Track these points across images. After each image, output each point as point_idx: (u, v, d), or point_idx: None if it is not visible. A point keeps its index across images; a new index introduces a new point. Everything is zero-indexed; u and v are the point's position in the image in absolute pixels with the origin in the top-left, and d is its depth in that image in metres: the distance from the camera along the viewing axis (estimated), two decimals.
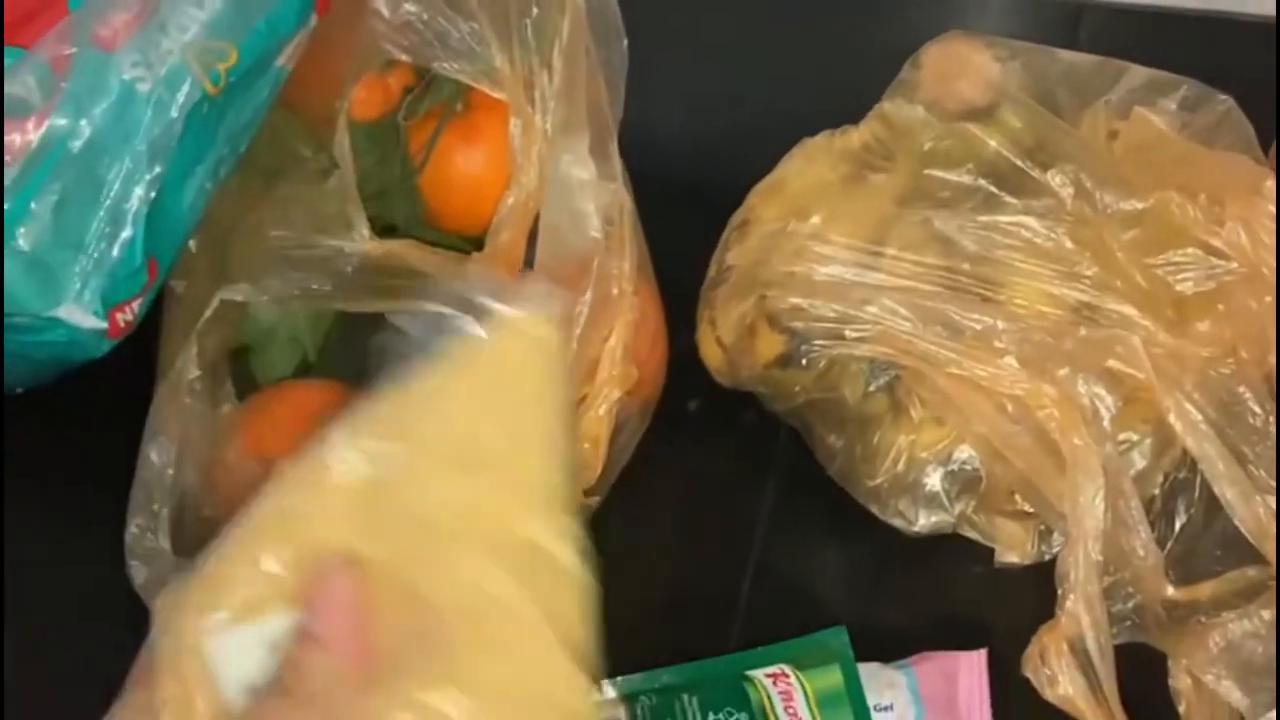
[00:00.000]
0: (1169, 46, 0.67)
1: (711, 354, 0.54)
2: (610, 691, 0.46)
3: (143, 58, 0.46)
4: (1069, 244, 0.49)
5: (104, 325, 0.46)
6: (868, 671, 0.46)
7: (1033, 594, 0.49)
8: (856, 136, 0.55)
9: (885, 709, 0.45)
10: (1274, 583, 0.46)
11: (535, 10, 0.52)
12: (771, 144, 0.59)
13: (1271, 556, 0.45)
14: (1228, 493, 0.46)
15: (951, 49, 0.54)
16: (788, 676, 0.45)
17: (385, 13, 0.52)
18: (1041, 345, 0.47)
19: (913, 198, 0.52)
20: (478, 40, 0.53)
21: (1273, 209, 0.45)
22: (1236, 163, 0.48)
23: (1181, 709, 0.47)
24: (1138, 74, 0.53)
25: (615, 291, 0.47)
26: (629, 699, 0.46)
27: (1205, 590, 0.47)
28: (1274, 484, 0.47)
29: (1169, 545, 0.49)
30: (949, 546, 0.52)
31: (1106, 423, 0.46)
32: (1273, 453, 0.47)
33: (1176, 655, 0.47)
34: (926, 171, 0.51)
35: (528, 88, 0.52)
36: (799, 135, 0.58)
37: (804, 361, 0.49)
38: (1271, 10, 0.67)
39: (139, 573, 0.45)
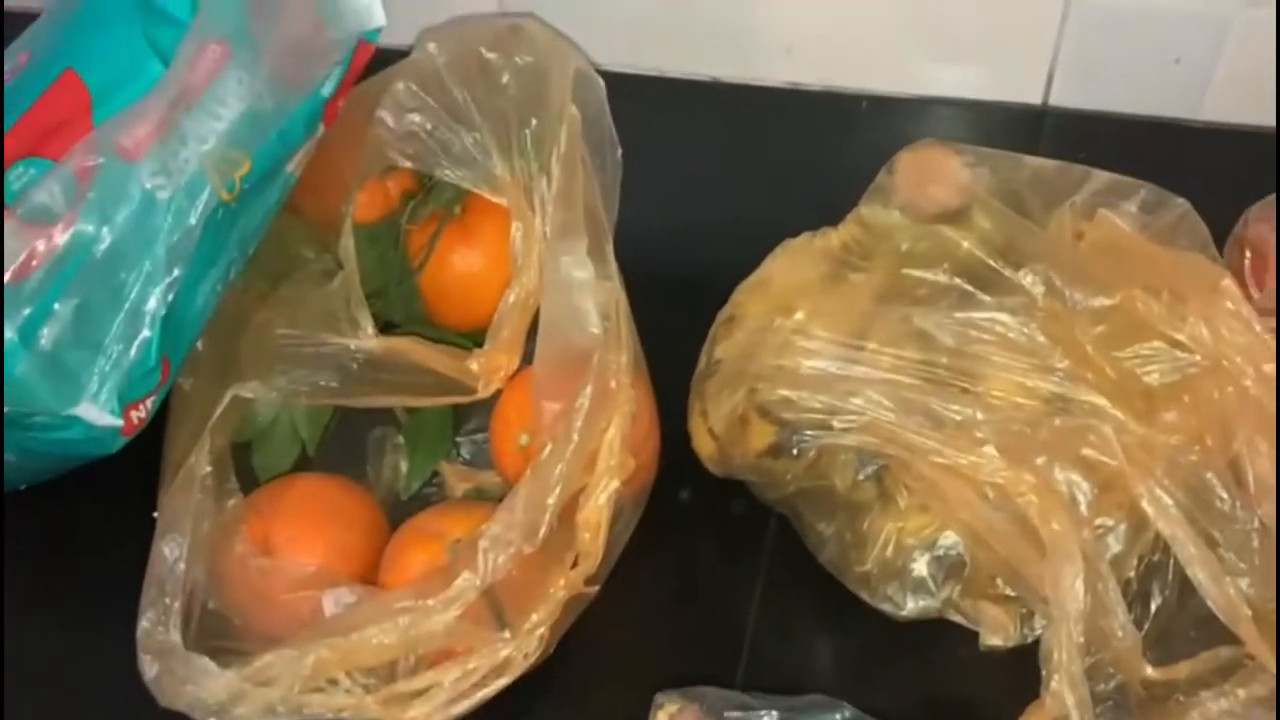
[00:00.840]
0: (1125, 149, 0.72)
1: (704, 444, 0.56)
2: None
3: (162, 167, 0.48)
4: (1041, 338, 0.51)
5: (120, 423, 0.48)
6: None
7: (1017, 676, 0.51)
8: (836, 237, 0.58)
9: None
10: (1249, 662, 0.48)
11: (534, 122, 0.55)
12: (756, 245, 0.62)
13: (1244, 637, 0.47)
14: (1199, 575, 0.48)
15: (923, 156, 0.58)
16: None
17: (390, 123, 0.55)
18: (1019, 435, 0.49)
19: (891, 295, 0.55)
20: (479, 149, 0.56)
21: (1230, 305, 0.48)
22: (1195, 262, 0.51)
23: None
24: (1100, 178, 0.56)
25: (613, 384, 0.49)
26: None
27: (1183, 670, 0.49)
28: (1243, 566, 0.49)
29: (1146, 626, 0.50)
30: (935, 631, 0.53)
31: (1083, 508, 0.48)
32: (1240, 536, 0.49)
33: None
34: (904, 271, 0.54)
35: (527, 193, 0.55)
36: (782, 236, 0.61)
37: (795, 451, 0.51)
38: (1219, 117, 0.72)
39: (150, 666, 0.45)
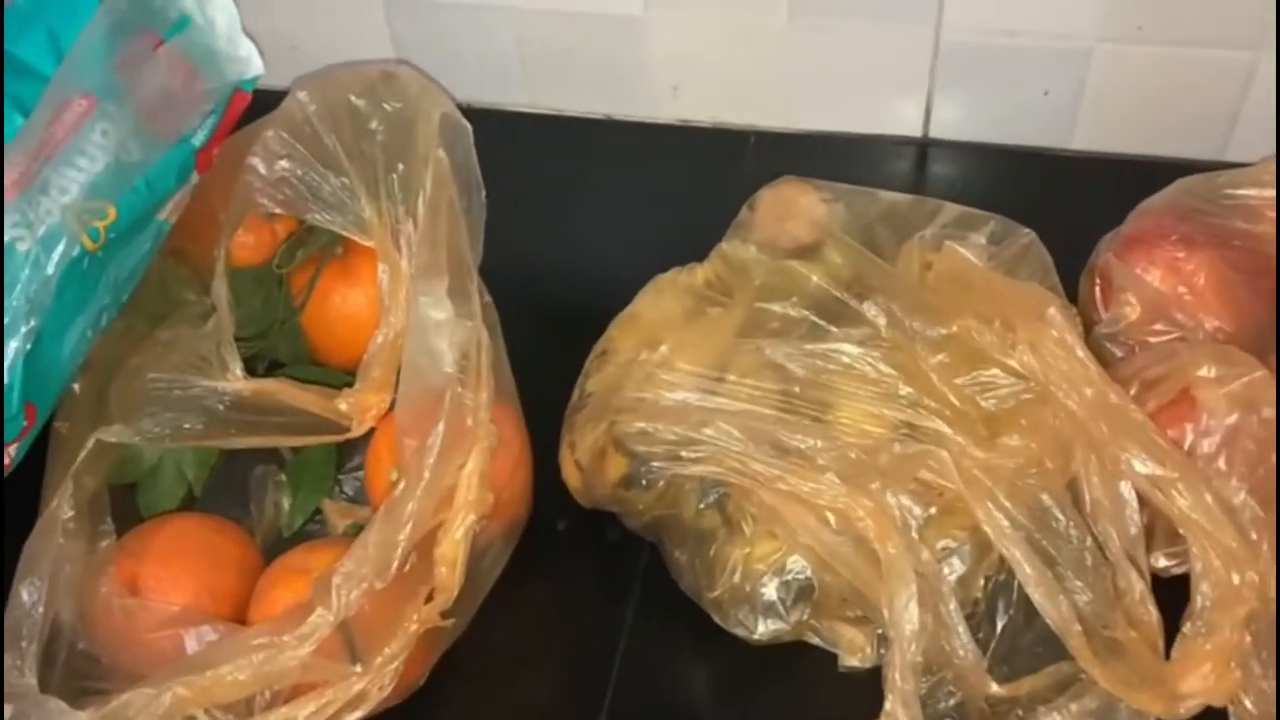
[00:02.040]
0: (1002, 179, 0.75)
1: (571, 475, 0.57)
2: None
3: (23, 218, 0.50)
4: (886, 368, 0.53)
5: None
6: None
7: (877, 696, 0.52)
8: (700, 273, 0.60)
9: None
10: (1083, 676, 0.50)
11: (401, 166, 0.57)
12: (640, 280, 0.63)
13: (1074, 651, 0.49)
14: (1036, 593, 0.50)
15: (782, 193, 0.60)
16: None
17: (261, 169, 0.57)
18: (859, 462, 0.51)
19: (749, 328, 0.56)
20: (348, 194, 0.57)
21: (1055, 333, 0.50)
22: (1028, 291, 0.53)
23: None
24: (950, 211, 0.58)
25: (470, 421, 0.51)
26: None
27: (1024, 686, 0.51)
28: (1079, 584, 0.51)
29: (993, 644, 0.52)
30: (797, 653, 0.55)
31: (914, 532, 0.49)
32: (1076, 554, 0.51)
33: None
34: (758, 304, 0.55)
35: (394, 236, 0.57)
36: (664, 271, 0.63)
37: (644, 482, 0.52)
38: (1089, 146, 0.74)
39: (5, 710, 0.46)
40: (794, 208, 0.59)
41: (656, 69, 0.77)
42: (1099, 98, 0.72)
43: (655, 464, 0.52)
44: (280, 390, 0.56)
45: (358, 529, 0.60)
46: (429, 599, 0.50)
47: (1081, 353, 0.50)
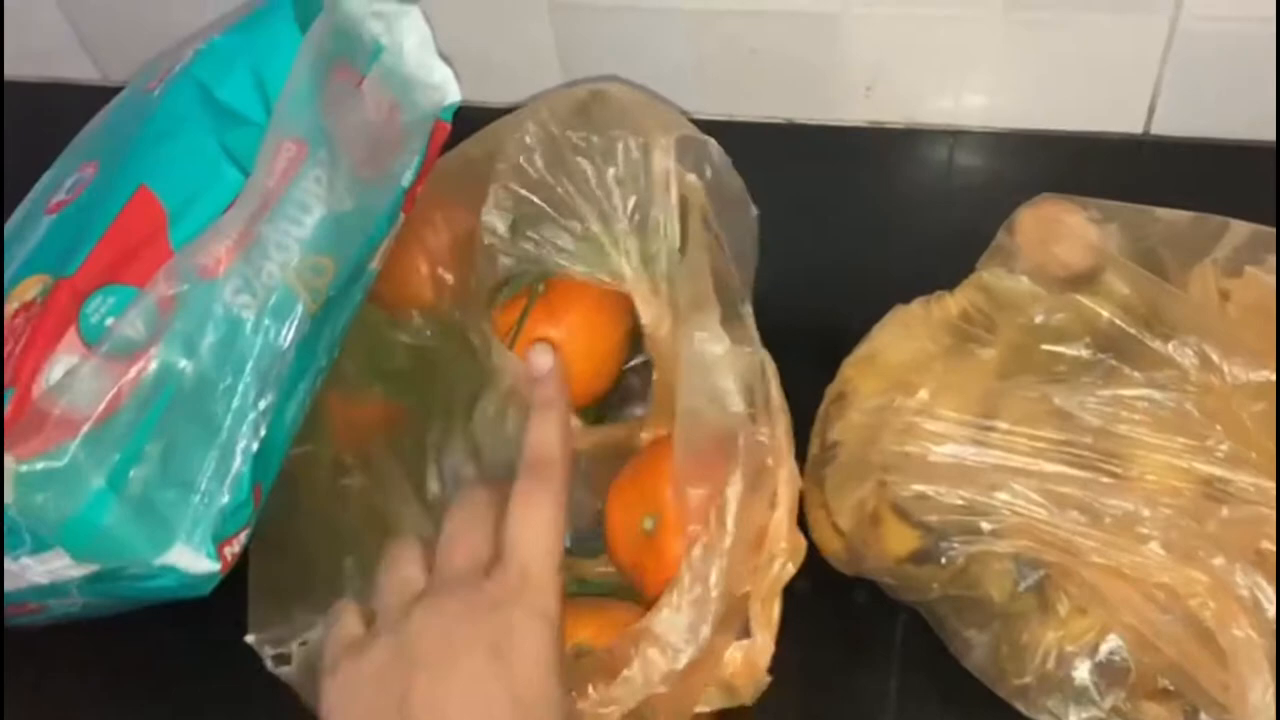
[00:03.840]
0: (1227, 175, 0.68)
1: (829, 541, 0.52)
2: None
3: (246, 284, 0.45)
4: (1197, 415, 0.47)
5: (216, 566, 0.44)
6: None
7: None
8: (954, 304, 0.54)
9: None
10: None
11: (641, 198, 0.52)
12: (858, 295, 0.58)
13: None
14: None
15: (1045, 213, 0.54)
16: None
17: (499, 228, 0.52)
18: (1186, 530, 0.45)
19: (1019, 369, 0.51)
20: (592, 242, 0.52)
21: None
22: None
23: None
24: (1239, 230, 0.52)
25: (769, 461, 0.46)
26: None
27: None
28: None
29: None
30: None
31: (1270, 613, 0.44)
32: None
33: None
34: (1043, 347, 0.50)
35: (652, 277, 0.52)
36: (877, 285, 0.57)
37: (942, 560, 0.47)
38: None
39: None
40: (1061, 230, 0.53)
41: (850, 69, 0.71)
42: None
43: (956, 539, 0.46)
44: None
45: (589, 586, 0.55)
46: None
47: None
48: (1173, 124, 0.69)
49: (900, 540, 0.48)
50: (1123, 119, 0.70)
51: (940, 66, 0.70)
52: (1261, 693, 0.42)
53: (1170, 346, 0.48)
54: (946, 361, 0.53)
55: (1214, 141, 0.69)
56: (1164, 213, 0.53)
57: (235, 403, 0.44)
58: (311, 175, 0.47)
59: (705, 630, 0.43)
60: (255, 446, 0.45)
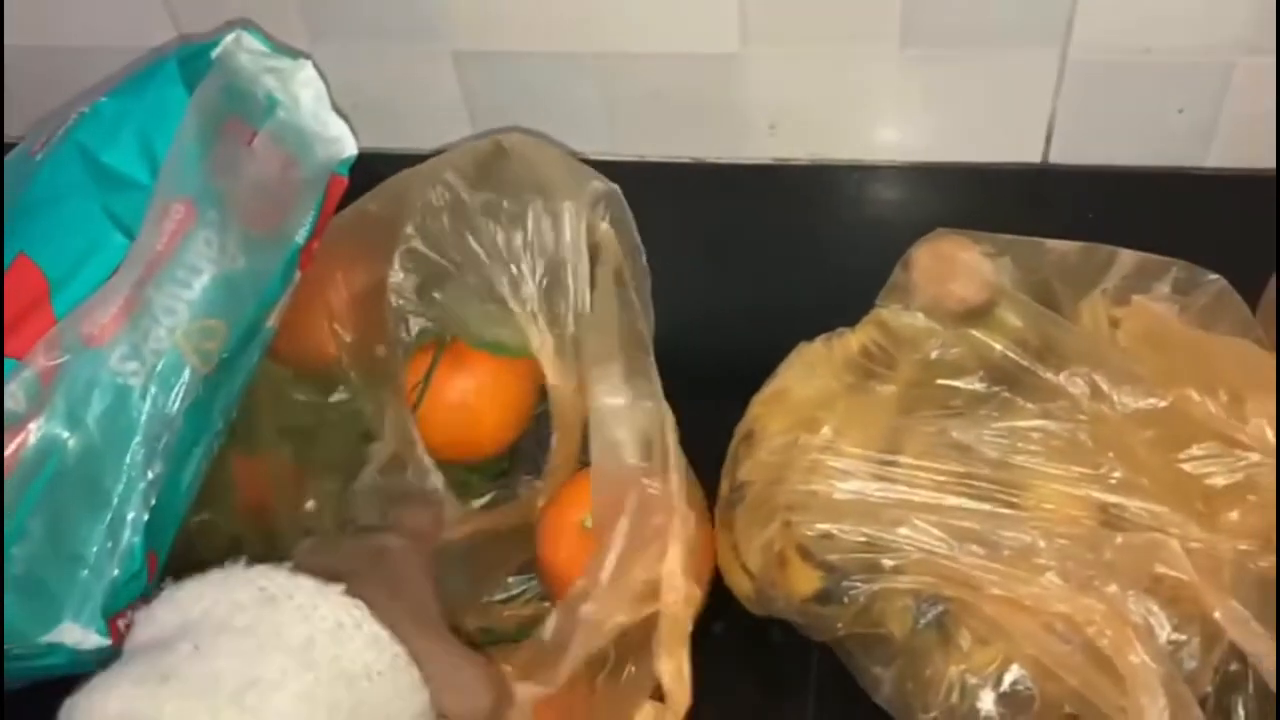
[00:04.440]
0: (1127, 202, 0.70)
1: (739, 583, 0.52)
2: None
3: (133, 350, 0.44)
4: (1090, 444, 0.48)
5: (106, 641, 0.43)
6: None
7: None
8: (854, 341, 0.55)
9: None
10: None
11: (551, 253, 0.52)
12: (764, 335, 0.58)
13: None
14: None
15: (940, 249, 0.54)
16: None
17: (407, 289, 0.52)
18: (1081, 559, 0.46)
19: (921, 404, 0.51)
20: (500, 303, 0.52)
21: None
22: (1246, 354, 0.48)
23: None
24: (1127, 259, 0.53)
25: (659, 515, 0.46)
26: None
27: None
28: None
29: None
30: None
31: (1163, 639, 0.44)
32: None
33: None
34: (938, 381, 0.50)
35: (559, 339, 0.52)
36: (783, 323, 0.58)
37: (845, 599, 0.47)
38: (1221, 163, 0.69)
39: None
40: (956, 265, 0.54)
41: (752, 108, 0.72)
42: (1239, 112, 0.67)
43: (857, 579, 0.46)
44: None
45: (493, 634, 0.55)
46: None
47: None
48: (1070, 153, 0.71)
49: (805, 581, 0.48)
50: (1022, 150, 0.71)
51: (841, 104, 0.71)
52: (1157, 717, 0.43)
53: (1062, 377, 0.49)
54: (849, 398, 0.53)
55: (1110, 169, 0.71)
56: (1055, 244, 0.54)
57: (123, 473, 0.44)
58: (201, 236, 0.47)
59: (562, 672, 0.43)
60: (146, 516, 0.44)
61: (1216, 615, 0.46)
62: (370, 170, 0.61)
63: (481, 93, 0.73)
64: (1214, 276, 0.52)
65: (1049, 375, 0.49)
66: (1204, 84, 0.66)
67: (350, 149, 0.55)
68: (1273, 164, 0.68)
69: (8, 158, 0.53)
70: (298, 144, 0.53)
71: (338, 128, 0.55)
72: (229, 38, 0.53)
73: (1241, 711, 0.47)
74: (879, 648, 0.48)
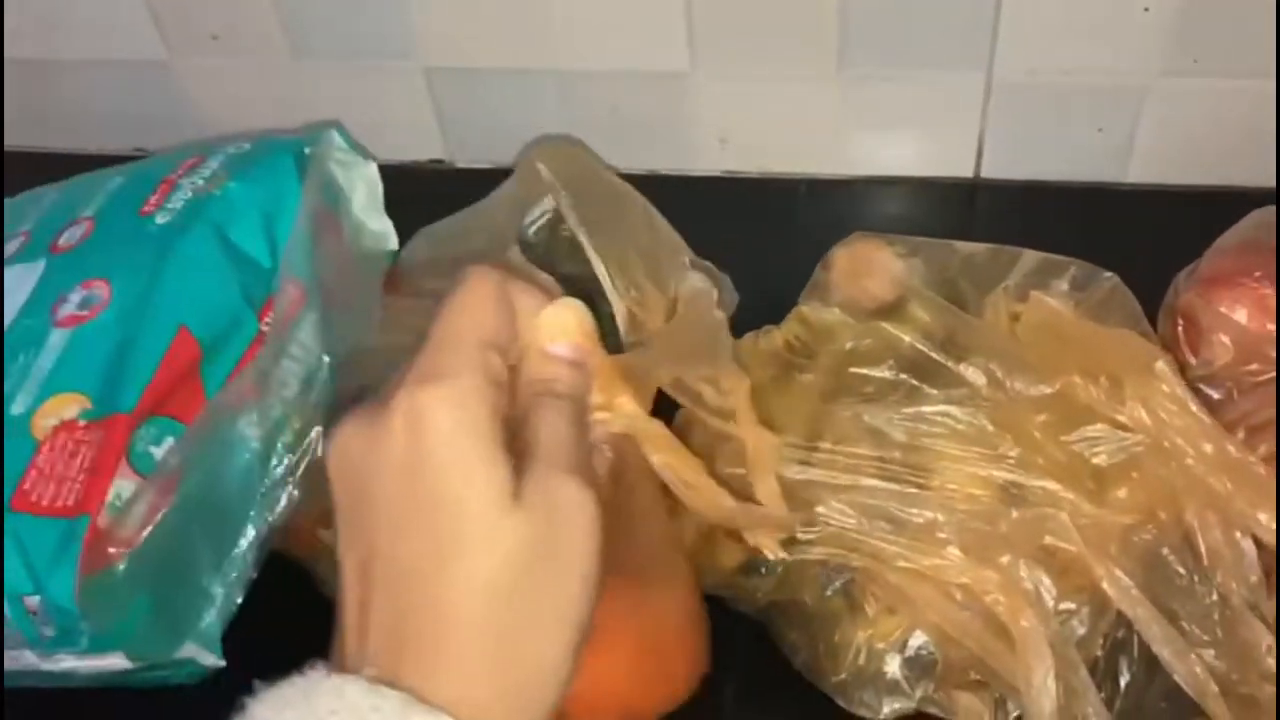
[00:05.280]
0: (1058, 216, 0.74)
1: None
2: None
3: (260, 418, 0.50)
4: (990, 428, 0.52)
5: (222, 662, 0.51)
6: None
7: None
8: (779, 336, 0.59)
9: None
10: None
11: None
12: None
13: (1212, 713, 0.48)
14: (1164, 652, 0.49)
15: (857, 250, 0.59)
16: None
17: None
18: (980, 532, 0.50)
19: (839, 393, 0.55)
20: None
21: (1165, 388, 0.49)
22: (1130, 342, 0.52)
23: None
24: (1030, 258, 0.58)
25: None
26: None
27: None
28: (1206, 639, 0.49)
29: (1117, 704, 0.51)
30: None
31: (1049, 603, 0.48)
32: (1201, 609, 0.49)
33: None
34: (851, 370, 0.54)
35: None
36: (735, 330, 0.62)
37: (763, 570, 0.51)
38: (1141, 179, 0.74)
39: None
40: (871, 265, 0.58)
41: (703, 123, 0.76)
42: (1155, 131, 0.71)
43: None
44: None
45: None
46: None
47: (1195, 407, 0.49)
48: (1000, 168, 0.75)
49: (729, 555, 0.52)
50: (954, 164, 0.76)
51: (785, 120, 0.75)
52: (1043, 676, 0.47)
53: (963, 367, 0.53)
54: (774, 389, 0.57)
55: (1037, 183, 0.75)
56: (964, 246, 0.58)
57: (247, 522, 0.50)
58: (309, 319, 0.52)
59: None
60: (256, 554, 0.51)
61: (1104, 585, 0.50)
62: None
63: (453, 107, 0.77)
64: (1109, 275, 0.57)
65: (951, 365, 0.53)
66: (1121, 104, 0.71)
67: (393, 244, 0.60)
68: (1189, 180, 0.73)
69: (98, 200, 0.59)
70: (352, 235, 0.59)
71: (386, 224, 0.61)
72: (325, 137, 0.60)
73: (1127, 674, 0.51)
74: (795, 614, 0.52)
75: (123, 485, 0.49)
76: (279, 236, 0.55)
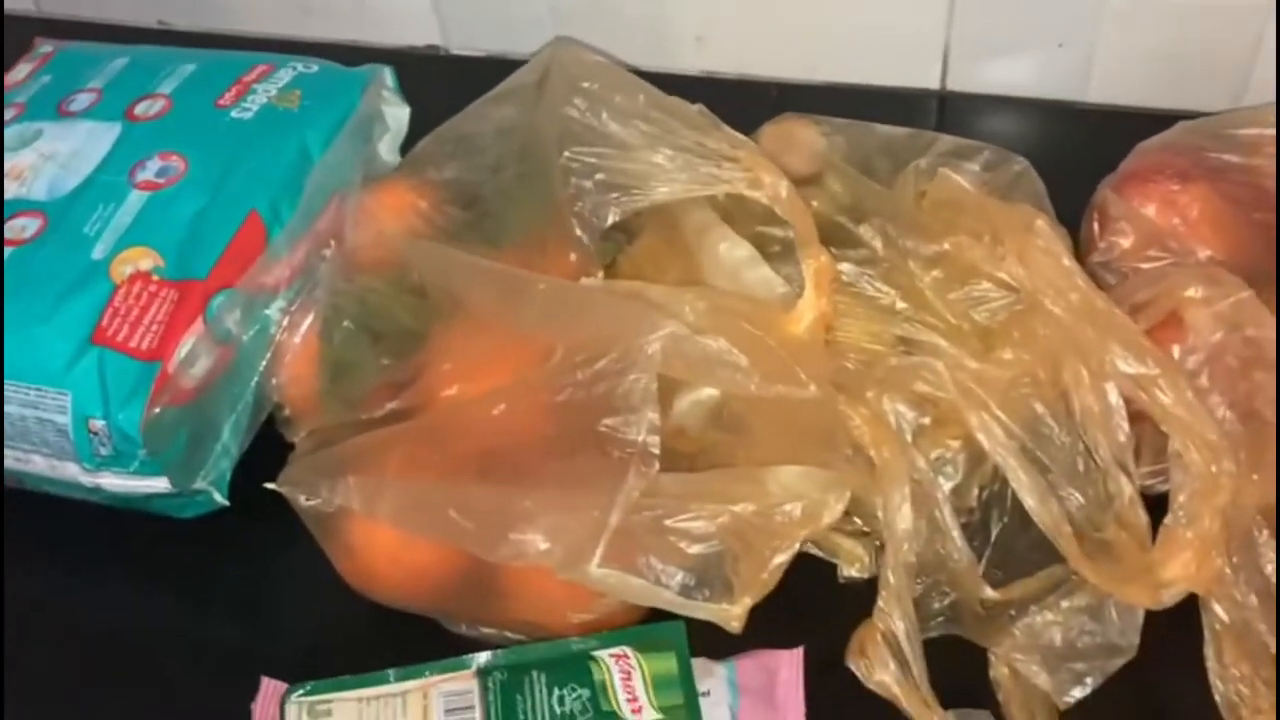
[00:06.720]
0: (1019, 130, 0.76)
1: None
2: (468, 666, 0.50)
3: (287, 304, 0.60)
4: (882, 286, 0.55)
5: (226, 502, 0.60)
6: (695, 664, 0.50)
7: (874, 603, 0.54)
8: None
9: (703, 695, 0.50)
10: (1075, 576, 0.51)
11: None
12: None
13: (1065, 552, 0.50)
14: (1028, 498, 0.51)
15: (784, 127, 0.62)
16: (628, 657, 0.49)
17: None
18: (856, 373, 0.53)
19: None
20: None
21: (1041, 243, 0.52)
22: (1016, 209, 0.55)
23: (1000, 697, 0.52)
24: (946, 142, 0.60)
25: None
26: (483, 673, 0.50)
27: (1017, 589, 0.52)
28: (1071, 489, 0.52)
29: (988, 551, 0.54)
30: (798, 566, 0.56)
31: (909, 435, 0.51)
32: (1068, 460, 0.52)
33: (992, 647, 0.52)
34: (759, 228, 0.58)
35: None
36: None
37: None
38: (1101, 98, 0.75)
39: None
40: (794, 141, 0.61)
41: (681, 21, 0.79)
42: (1114, 50, 0.73)
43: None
44: None
45: None
46: None
47: (1067, 261, 0.51)
48: (964, 80, 0.78)
49: None
50: (920, 75, 0.78)
51: (762, 24, 0.78)
52: (899, 501, 0.50)
53: (861, 229, 0.56)
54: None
55: (1000, 97, 0.77)
56: (884, 128, 0.62)
57: (258, 379, 0.60)
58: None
59: None
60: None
61: (978, 434, 0.53)
62: (348, 61, 0.71)
63: None
64: (1020, 159, 0.59)
65: (850, 227, 0.56)
66: (1080, 18, 0.72)
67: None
68: (1145, 102, 0.74)
69: (181, 75, 0.67)
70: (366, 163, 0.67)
71: (395, 159, 0.71)
72: (379, 75, 0.70)
73: (996, 528, 0.54)
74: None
75: (192, 342, 0.57)
76: (331, 139, 0.65)
